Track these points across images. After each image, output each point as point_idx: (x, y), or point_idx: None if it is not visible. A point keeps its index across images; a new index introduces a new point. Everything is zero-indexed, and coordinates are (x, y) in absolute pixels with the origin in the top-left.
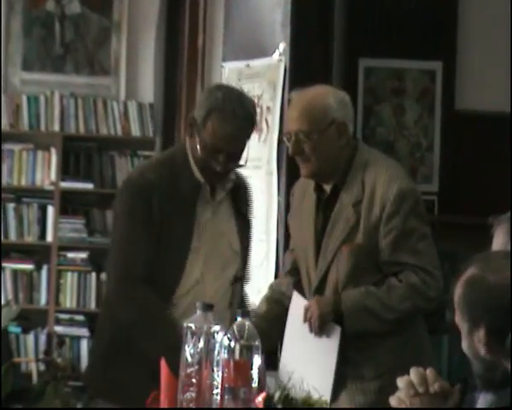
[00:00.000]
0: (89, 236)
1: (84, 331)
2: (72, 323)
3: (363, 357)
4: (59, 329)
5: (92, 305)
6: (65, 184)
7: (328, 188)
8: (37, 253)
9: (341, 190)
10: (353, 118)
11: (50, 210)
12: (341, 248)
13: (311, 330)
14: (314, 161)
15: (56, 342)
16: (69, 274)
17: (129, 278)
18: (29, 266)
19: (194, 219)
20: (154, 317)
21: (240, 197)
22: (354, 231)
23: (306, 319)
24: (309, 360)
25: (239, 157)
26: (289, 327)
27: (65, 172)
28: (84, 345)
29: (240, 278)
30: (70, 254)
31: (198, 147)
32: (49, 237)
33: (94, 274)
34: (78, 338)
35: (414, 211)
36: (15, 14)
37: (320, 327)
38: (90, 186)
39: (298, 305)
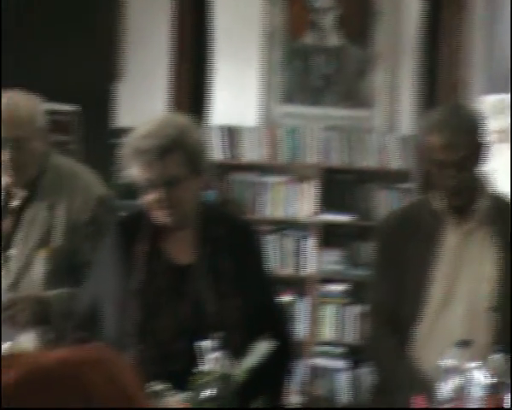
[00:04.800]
0: (349, 268)
1: (341, 364)
2: (330, 355)
3: None
4: (318, 361)
5: (352, 338)
6: (325, 217)
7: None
8: (297, 284)
9: (34, 193)
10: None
11: (310, 242)
12: (38, 252)
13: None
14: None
15: (315, 374)
16: (329, 306)
17: (375, 319)
18: (288, 298)
19: (435, 250)
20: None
21: (502, 226)
22: (50, 234)
23: (5, 312)
24: None
25: (468, 167)
26: None
27: (325, 204)
28: (342, 378)
29: (495, 308)
30: (330, 287)
31: (429, 169)
32: (309, 269)
33: (354, 307)
34: (336, 371)
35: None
36: (275, 47)
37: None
38: (350, 218)
39: None
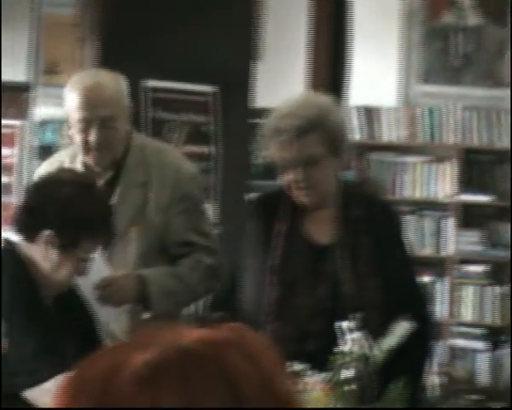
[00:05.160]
0: (488, 249)
1: (481, 345)
2: (470, 336)
3: None
4: (457, 341)
5: (492, 319)
6: (464, 197)
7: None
8: (436, 265)
9: (121, 172)
10: None
11: (449, 222)
12: (130, 230)
13: (105, 303)
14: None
15: (454, 355)
16: (468, 287)
17: None
18: (428, 279)
19: None
20: None
21: None
22: (142, 212)
23: (105, 291)
24: None
25: None
26: None
27: (464, 184)
28: (481, 359)
29: None
30: (469, 267)
31: None
32: (448, 250)
33: (494, 288)
34: (475, 352)
35: (202, 194)
36: (414, 26)
37: (116, 305)
38: (490, 199)
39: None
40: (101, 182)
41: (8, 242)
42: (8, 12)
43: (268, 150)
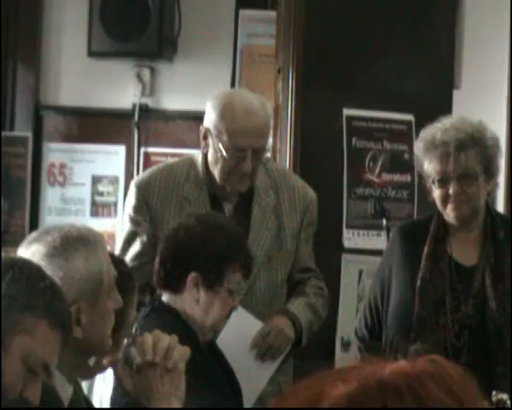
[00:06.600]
0: None
1: None
2: None
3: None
4: None
5: None
6: None
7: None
8: None
9: (253, 195)
10: None
11: None
12: (272, 256)
13: (266, 356)
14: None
15: None
16: None
17: None
18: None
19: None
20: None
21: None
22: (278, 238)
23: (265, 344)
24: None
25: None
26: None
27: None
28: None
29: None
30: None
31: None
32: None
33: None
34: None
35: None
36: None
37: (279, 353)
38: None
39: (243, 320)
40: (230, 204)
41: (154, 299)
42: (209, 47)
43: (422, 164)
